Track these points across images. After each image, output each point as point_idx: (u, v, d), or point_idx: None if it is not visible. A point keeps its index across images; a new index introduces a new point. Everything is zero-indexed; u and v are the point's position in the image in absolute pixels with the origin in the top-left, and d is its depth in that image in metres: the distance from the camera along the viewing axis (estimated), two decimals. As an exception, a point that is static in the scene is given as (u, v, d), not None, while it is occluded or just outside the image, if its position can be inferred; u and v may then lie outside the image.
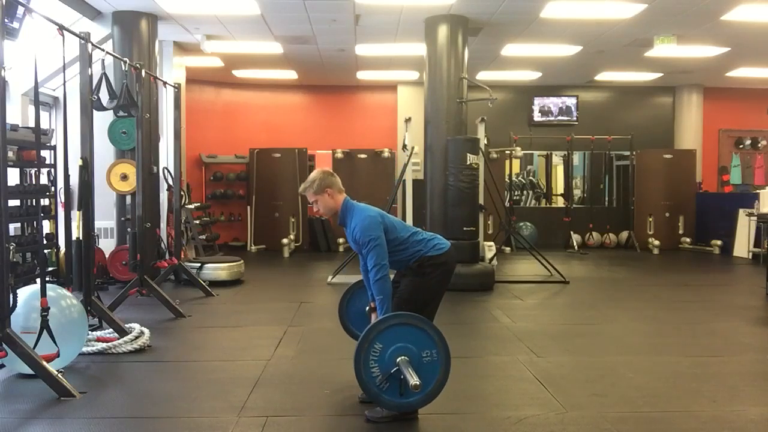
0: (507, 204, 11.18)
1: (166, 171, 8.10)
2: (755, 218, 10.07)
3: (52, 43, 4.89)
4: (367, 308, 3.87)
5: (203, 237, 10.28)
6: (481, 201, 8.17)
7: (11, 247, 4.01)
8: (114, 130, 7.52)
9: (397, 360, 3.24)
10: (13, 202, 6.30)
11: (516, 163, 13.32)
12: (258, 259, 10.83)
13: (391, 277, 3.64)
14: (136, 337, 5.00)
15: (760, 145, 13.40)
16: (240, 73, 11.81)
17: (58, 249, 7.32)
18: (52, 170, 6.99)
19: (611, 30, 8.76)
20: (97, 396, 3.92)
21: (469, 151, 7.67)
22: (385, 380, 3.27)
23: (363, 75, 11.90)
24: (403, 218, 7.94)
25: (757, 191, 10.24)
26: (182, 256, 7.78)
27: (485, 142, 8.90)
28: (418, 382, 3.13)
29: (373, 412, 3.50)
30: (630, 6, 7.68)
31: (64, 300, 4.46)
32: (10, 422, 3.52)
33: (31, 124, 6.20)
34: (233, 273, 8.11)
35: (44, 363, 3.88)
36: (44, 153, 6.84)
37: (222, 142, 12.48)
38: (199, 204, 10.94)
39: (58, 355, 4.02)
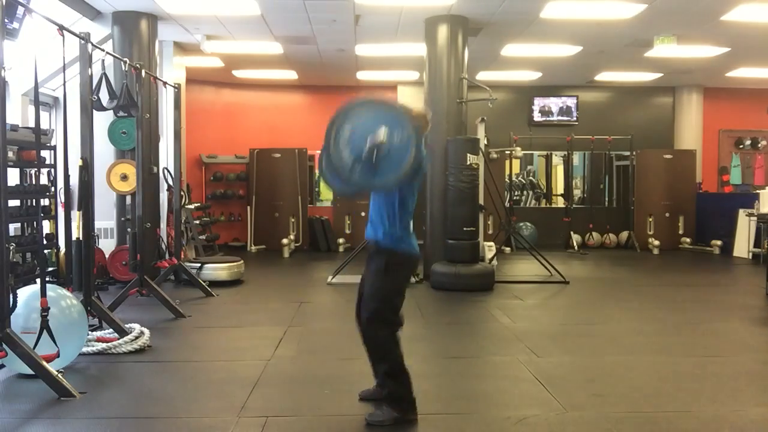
0: (507, 204, 11.18)
1: (166, 171, 8.10)
2: (755, 218, 10.07)
3: (52, 43, 4.89)
4: None
5: (203, 237, 10.28)
6: (481, 201, 8.17)
7: (11, 247, 4.01)
8: (114, 130, 7.52)
9: (368, 138, 3.06)
10: (13, 202, 6.30)
11: (516, 163, 13.31)
12: (258, 259, 10.83)
13: None
14: (136, 338, 5.00)
15: (760, 145, 13.39)
16: (240, 74, 11.81)
17: (58, 249, 7.33)
18: (52, 170, 6.99)
19: (611, 30, 8.75)
20: (97, 396, 3.92)
21: (469, 151, 7.68)
22: (356, 163, 3.08)
23: (363, 75, 11.89)
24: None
25: (757, 191, 10.25)
26: (182, 256, 7.77)
27: (485, 142, 8.90)
28: (382, 138, 2.97)
29: (373, 415, 3.49)
30: (630, 6, 7.68)
31: (64, 300, 4.46)
32: (10, 422, 3.52)
33: (31, 124, 6.20)
34: (233, 273, 8.10)
35: (44, 363, 3.88)
36: (44, 153, 6.84)
37: (222, 142, 12.48)
38: (199, 204, 10.94)
39: (58, 355, 4.02)
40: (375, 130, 3.06)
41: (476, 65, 10.69)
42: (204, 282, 7.48)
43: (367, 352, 3.62)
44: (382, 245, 3.53)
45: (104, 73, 5.47)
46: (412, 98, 12.36)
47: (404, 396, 3.48)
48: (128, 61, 6.15)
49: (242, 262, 8.35)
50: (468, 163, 7.65)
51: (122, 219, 8.17)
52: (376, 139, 2.96)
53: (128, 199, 7.83)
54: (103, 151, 7.35)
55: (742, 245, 10.83)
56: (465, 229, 7.68)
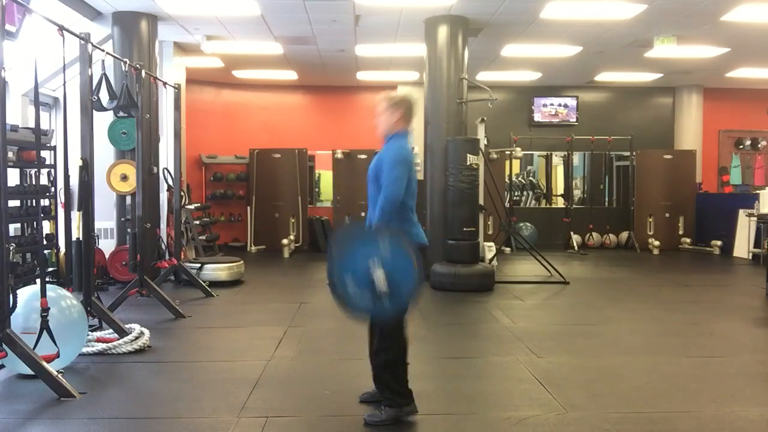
0: (507, 204, 11.18)
1: (166, 171, 8.10)
2: (755, 219, 10.07)
3: (52, 43, 4.89)
4: None
5: (203, 237, 10.28)
6: (481, 201, 8.17)
7: (11, 248, 4.01)
8: (114, 130, 7.51)
9: (369, 265, 3.24)
10: (13, 203, 6.29)
11: (516, 163, 13.31)
12: (258, 259, 10.83)
13: None
14: (136, 338, 5.00)
15: (760, 145, 13.40)
16: (240, 74, 11.81)
17: (58, 249, 7.31)
18: (52, 171, 6.98)
19: (611, 30, 8.76)
20: (97, 396, 3.92)
21: (469, 151, 7.68)
22: (379, 295, 3.21)
23: (363, 75, 11.90)
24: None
25: (757, 192, 10.25)
26: (182, 256, 7.78)
27: (485, 142, 8.90)
28: (383, 287, 3.14)
29: (372, 415, 3.49)
30: (630, 6, 7.68)
31: (64, 300, 4.46)
32: (10, 422, 3.52)
33: (31, 124, 6.19)
34: (233, 273, 8.11)
35: (44, 363, 3.88)
36: (44, 153, 6.83)
37: (222, 142, 12.48)
38: (199, 204, 10.93)
39: (58, 355, 4.02)
40: (366, 269, 3.28)
41: (476, 65, 10.69)
42: (204, 282, 7.48)
43: (370, 340, 3.60)
44: None
45: (104, 74, 5.47)
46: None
47: (399, 389, 3.47)
48: (128, 62, 6.15)
49: (242, 262, 8.35)
50: (468, 163, 7.65)
51: (122, 219, 8.16)
52: (381, 288, 3.16)
53: (128, 199, 7.83)
54: (103, 151, 7.35)
55: (742, 245, 10.83)
56: (465, 229, 7.68)
